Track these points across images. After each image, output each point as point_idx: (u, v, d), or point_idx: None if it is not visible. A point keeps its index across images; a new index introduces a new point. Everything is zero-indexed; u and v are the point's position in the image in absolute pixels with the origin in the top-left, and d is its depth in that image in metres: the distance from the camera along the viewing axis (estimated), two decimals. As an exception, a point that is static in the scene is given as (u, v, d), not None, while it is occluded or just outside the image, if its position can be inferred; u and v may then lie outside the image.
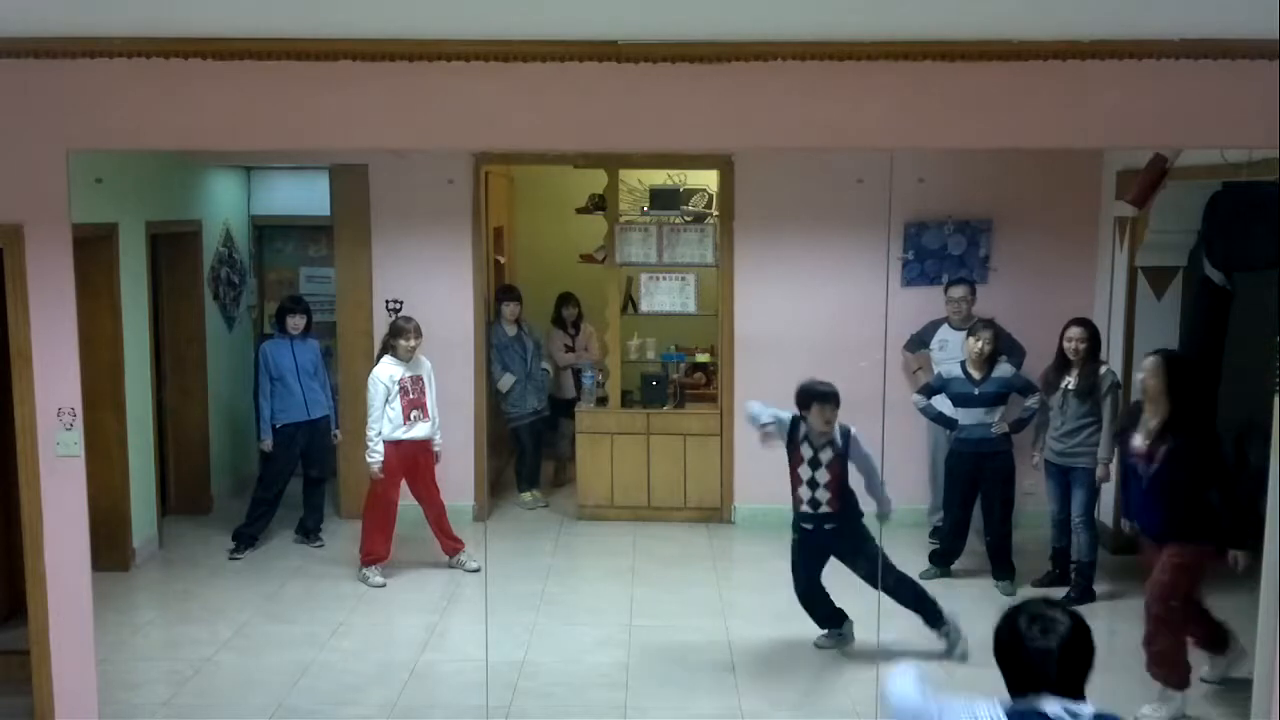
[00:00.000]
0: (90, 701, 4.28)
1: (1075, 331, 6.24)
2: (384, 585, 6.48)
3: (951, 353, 7.05)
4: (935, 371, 7.15)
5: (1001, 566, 6.51)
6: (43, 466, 4.13)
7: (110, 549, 6.18)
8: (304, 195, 8.36)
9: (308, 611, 6.12)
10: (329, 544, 7.17)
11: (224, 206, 8.10)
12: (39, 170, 3.96)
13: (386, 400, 6.41)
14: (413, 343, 6.46)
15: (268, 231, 8.86)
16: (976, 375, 6.40)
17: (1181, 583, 4.91)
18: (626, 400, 7.76)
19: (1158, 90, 3.84)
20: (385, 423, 6.41)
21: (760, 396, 7.39)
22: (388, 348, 6.51)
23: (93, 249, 6.03)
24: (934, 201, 7.28)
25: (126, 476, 6.47)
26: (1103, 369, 6.22)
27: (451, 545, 6.72)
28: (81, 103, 3.90)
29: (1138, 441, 5.17)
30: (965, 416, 6.42)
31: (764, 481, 7.36)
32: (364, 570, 6.55)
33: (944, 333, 7.10)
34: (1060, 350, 6.27)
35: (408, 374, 6.47)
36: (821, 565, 5.54)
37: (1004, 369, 6.42)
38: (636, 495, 7.62)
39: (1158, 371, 5.12)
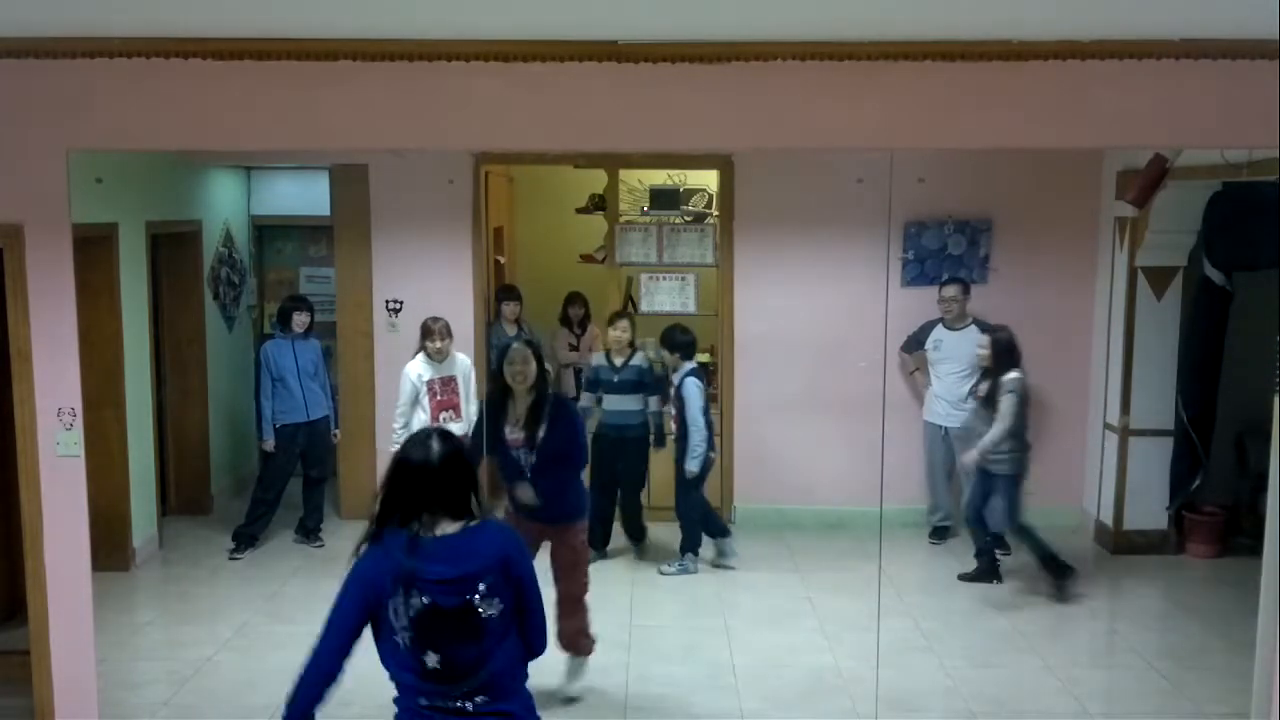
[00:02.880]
0: (90, 701, 4.28)
1: (981, 339, 6.43)
2: None
3: (945, 352, 7.06)
4: (930, 373, 7.16)
5: (634, 535, 7.03)
6: (43, 466, 4.12)
7: (110, 549, 6.17)
8: (304, 195, 8.36)
9: (308, 611, 6.08)
10: (329, 544, 7.16)
11: (224, 206, 8.09)
12: (39, 170, 3.95)
13: (416, 399, 6.39)
14: (439, 343, 6.42)
15: (268, 231, 8.85)
16: (617, 363, 6.75)
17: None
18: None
19: (1158, 90, 3.84)
20: (417, 424, 6.30)
21: (760, 396, 7.46)
22: (421, 346, 6.50)
23: (93, 249, 6.03)
24: (934, 201, 7.29)
25: (126, 476, 6.46)
26: (1011, 374, 6.18)
27: None
28: (81, 103, 3.89)
29: None
30: (608, 402, 6.76)
31: (764, 481, 7.40)
32: None
33: (938, 332, 7.11)
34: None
35: (437, 375, 6.45)
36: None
37: (640, 358, 6.78)
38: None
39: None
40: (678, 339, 6.64)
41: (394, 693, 2.92)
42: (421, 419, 6.35)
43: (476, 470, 2.96)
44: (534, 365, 4.99)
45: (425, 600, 2.70)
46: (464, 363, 6.60)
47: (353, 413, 7.54)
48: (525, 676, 2.95)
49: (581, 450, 5.23)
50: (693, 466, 6.51)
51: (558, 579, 4.95)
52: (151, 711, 4.96)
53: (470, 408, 6.49)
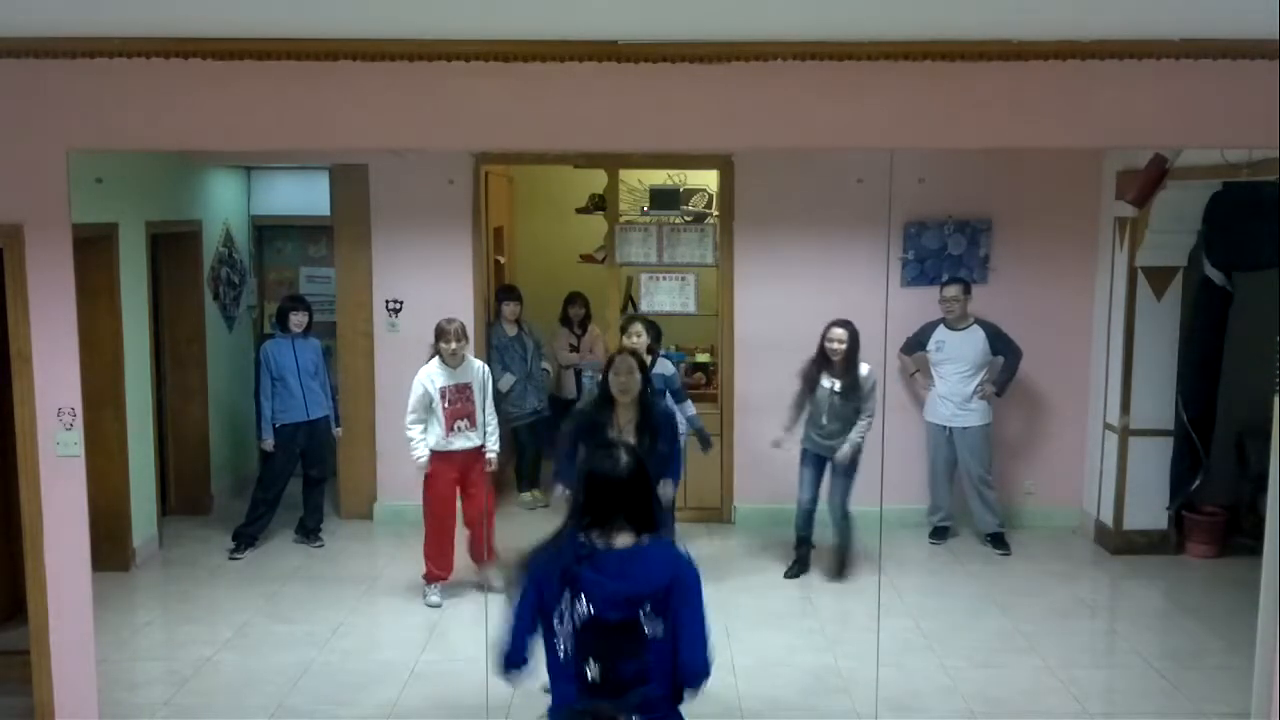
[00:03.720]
0: (90, 701, 4.28)
1: (837, 333, 6.40)
2: (439, 606, 6.13)
3: (948, 353, 7.06)
4: (933, 374, 7.16)
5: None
6: (43, 466, 4.12)
7: (110, 549, 6.16)
8: (304, 195, 8.36)
9: (308, 611, 6.12)
10: (329, 544, 7.16)
11: (224, 206, 8.09)
12: (39, 170, 3.95)
13: (430, 406, 6.03)
14: (453, 345, 6.00)
15: (268, 231, 8.85)
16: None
17: None
18: (626, 400, 7.76)
19: (1158, 90, 3.84)
20: (432, 433, 6.06)
21: (760, 396, 7.45)
22: (436, 350, 6.12)
23: (93, 249, 6.03)
24: (934, 201, 7.28)
25: (126, 476, 6.46)
26: (865, 369, 6.37)
27: (483, 555, 6.27)
28: (81, 103, 3.90)
29: None
30: None
31: (764, 481, 7.38)
32: (425, 588, 6.24)
33: (940, 333, 7.11)
34: (821, 349, 6.44)
35: (450, 382, 6.05)
36: None
37: (664, 366, 6.55)
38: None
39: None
40: (649, 332, 6.69)
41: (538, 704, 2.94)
42: (437, 431, 6.05)
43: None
44: (638, 375, 5.10)
45: (591, 610, 2.74)
46: (480, 369, 6.24)
47: (353, 412, 7.54)
48: (680, 700, 2.93)
49: (680, 463, 5.34)
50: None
51: None
52: (151, 711, 4.96)
53: (487, 418, 6.17)
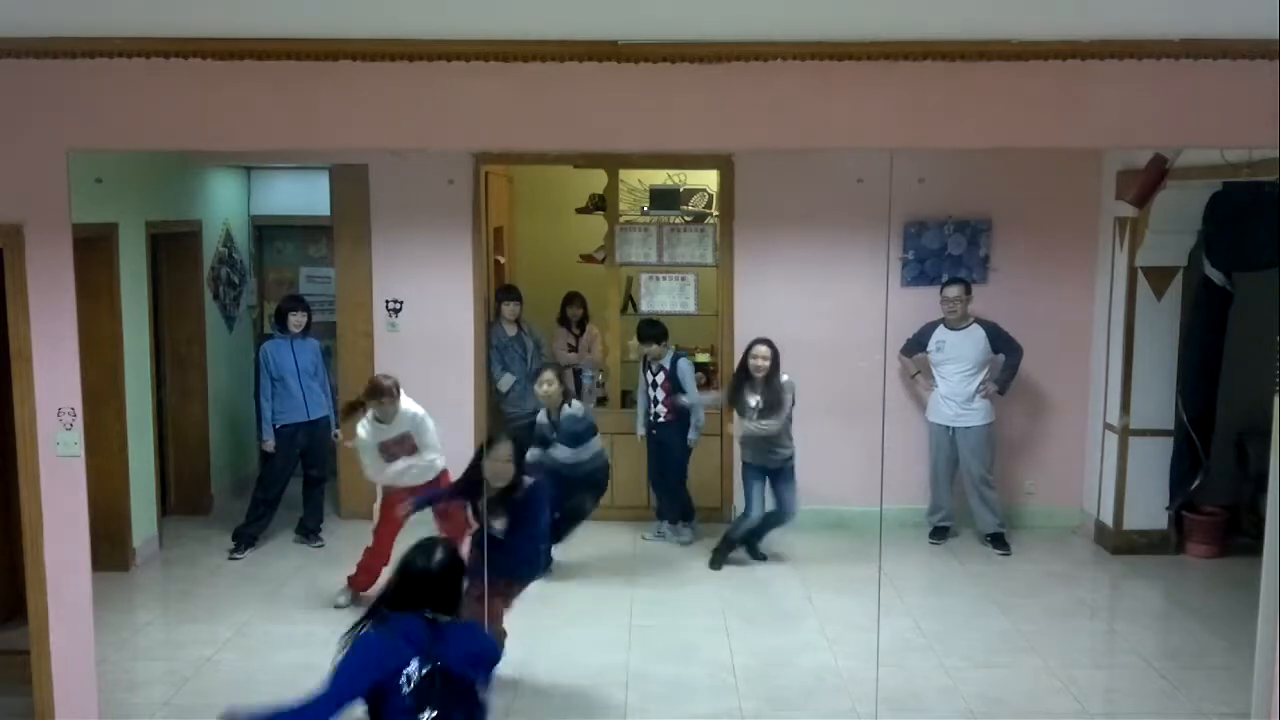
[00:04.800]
0: (90, 701, 4.28)
1: (760, 349, 6.57)
2: (346, 607, 5.97)
3: (949, 353, 7.06)
4: (935, 374, 7.16)
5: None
6: (43, 466, 4.12)
7: (110, 549, 6.16)
8: (304, 195, 8.36)
9: (308, 611, 6.12)
10: (329, 544, 7.16)
11: (224, 206, 8.09)
12: (39, 170, 3.95)
13: (378, 453, 5.98)
14: (386, 404, 5.88)
15: (268, 231, 8.86)
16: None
17: None
18: (626, 400, 7.75)
19: (1158, 90, 3.84)
20: (383, 476, 6.05)
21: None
22: (364, 407, 6.01)
23: (93, 249, 6.03)
24: (934, 201, 7.28)
25: (126, 476, 6.46)
26: (784, 378, 6.58)
27: None
28: (81, 103, 3.89)
29: None
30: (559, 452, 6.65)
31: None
32: (342, 590, 6.18)
33: (940, 333, 7.11)
34: (744, 366, 6.61)
35: (386, 437, 5.96)
36: (663, 459, 7.15)
37: (575, 407, 6.68)
38: (636, 495, 7.61)
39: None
40: (653, 330, 7.11)
41: None
42: (387, 473, 6.00)
43: None
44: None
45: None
46: (413, 415, 5.99)
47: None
48: None
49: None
50: (695, 436, 7.13)
51: None
52: (151, 711, 4.97)
53: (431, 456, 6.00)
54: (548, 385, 6.59)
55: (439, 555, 3.31)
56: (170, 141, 4.21)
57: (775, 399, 6.54)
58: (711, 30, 3.66)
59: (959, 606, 6.27)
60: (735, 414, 6.73)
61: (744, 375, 6.63)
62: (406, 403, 6.02)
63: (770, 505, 6.74)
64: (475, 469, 5.12)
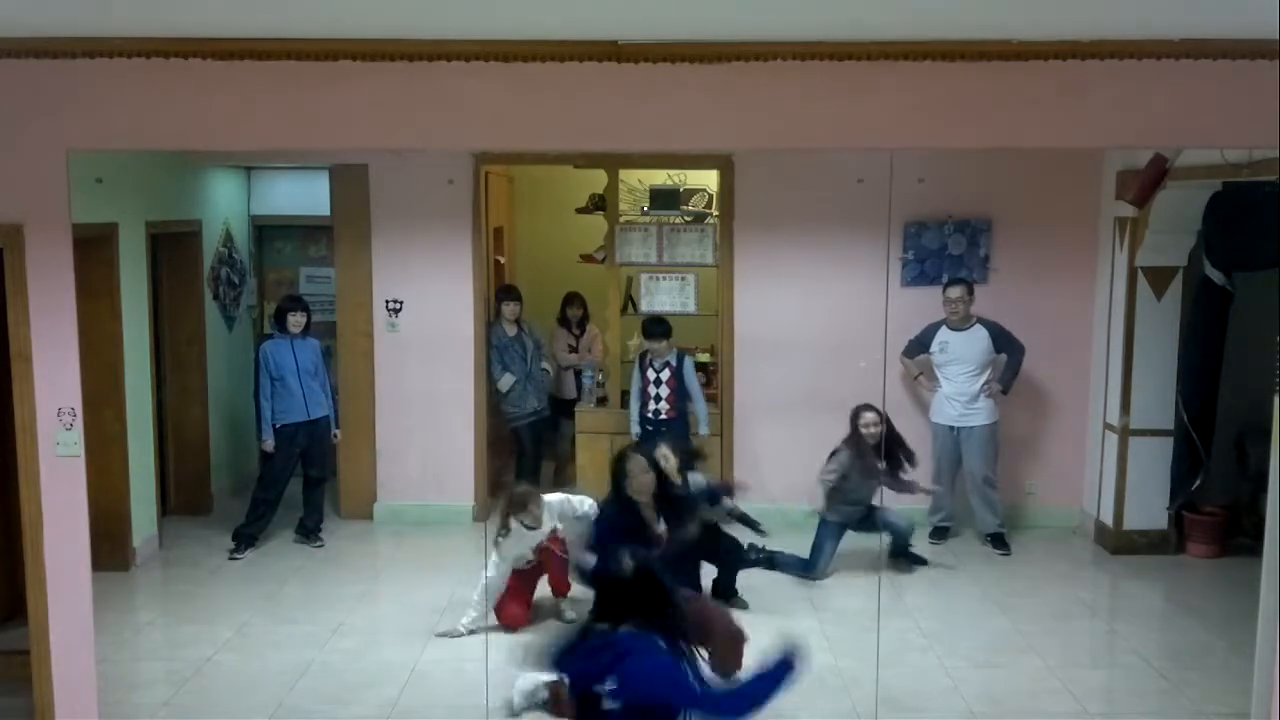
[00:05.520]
0: (90, 701, 4.28)
1: (870, 416, 6.55)
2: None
3: (952, 354, 7.05)
4: (938, 375, 7.15)
5: None
6: (43, 466, 4.12)
7: (110, 549, 6.16)
8: (304, 195, 8.36)
9: (308, 611, 6.12)
10: (329, 544, 7.16)
11: (224, 206, 8.09)
12: (39, 170, 3.95)
13: None
14: (533, 509, 5.80)
15: (268, 231, 8.85)
16: None
17: None
18: (626, 400, 7.74)
19: (1158, 90, 3.84)
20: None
21: (760, 396, 7.45)
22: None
23: (93, 249, 6.03)
24: (934, 201, 7.28)
25: (126, 476, 6.46)
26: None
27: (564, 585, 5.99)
28: (81, 103, 3.89)
29: None
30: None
31: (764, 481, 7.37)
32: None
33: (943, 334, 7.10)
34: (856, 435, 6.60)
35: (536, 542, 5.80)
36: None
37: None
38: (636, 495, 7.60)
39: None
40: (660, 328, 7.09)
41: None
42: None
43: None
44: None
45: None
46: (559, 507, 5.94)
47: (353, 412, 7.54)
48: None
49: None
50: (706, 429, 7.16)
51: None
52: (151, 711, 4.96)
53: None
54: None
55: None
56: (170, 141, 4.22)
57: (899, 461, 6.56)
58: (711, 30, 3.66)
59: (959, 606, 6.27)
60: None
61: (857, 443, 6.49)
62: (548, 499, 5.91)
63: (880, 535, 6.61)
64: (620, 506, 5.13)
